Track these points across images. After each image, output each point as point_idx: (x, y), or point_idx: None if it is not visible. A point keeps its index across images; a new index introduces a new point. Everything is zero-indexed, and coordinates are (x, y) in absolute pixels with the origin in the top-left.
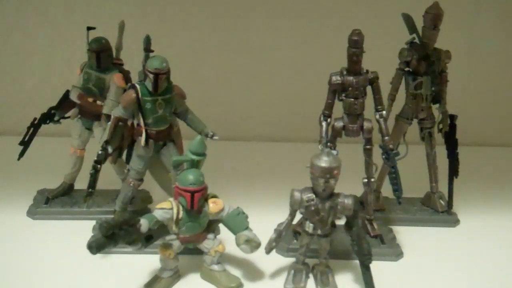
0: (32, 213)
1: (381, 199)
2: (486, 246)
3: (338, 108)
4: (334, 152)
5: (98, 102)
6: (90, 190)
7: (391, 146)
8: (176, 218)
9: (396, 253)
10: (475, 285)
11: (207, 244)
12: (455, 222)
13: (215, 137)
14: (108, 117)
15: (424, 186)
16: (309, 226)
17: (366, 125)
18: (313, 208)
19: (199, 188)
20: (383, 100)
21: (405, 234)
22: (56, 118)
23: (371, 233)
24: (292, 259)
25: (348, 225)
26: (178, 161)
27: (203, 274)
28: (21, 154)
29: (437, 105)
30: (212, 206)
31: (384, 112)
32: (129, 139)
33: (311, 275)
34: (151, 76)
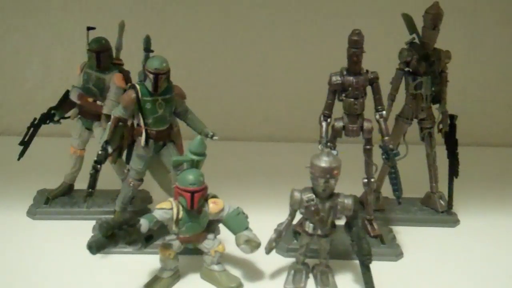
0: (32, 213)
1: (381, 199)
2: (486, 246)
3: (338, 108)
4: (334, 152)
5: (98, 102)
6: (90, 190)
7: (391, 146)
8: (176, 218)
9: (396, 253)
10: (475, 285)
11: (207, 244)
12: (455, 222)
13: (215, 137)
14: (108, 117)
15: (424, 186)
16: (309, 226)
17: (366, 125)
18: (313, 208)
19: (199, 188)
20: (383, 100)
21: (405, 234)
22: (56, 118)
23: (371, 233)
24: (292, 259)
25: (348, 225)
26: (178, 161)
27: (203, 274)
28: (21, 154)
29: (437, 105)
30: (212, 206)
31: (384, 112)
32: (129, 139)
33: (311, 275)
34: (151, 76)
